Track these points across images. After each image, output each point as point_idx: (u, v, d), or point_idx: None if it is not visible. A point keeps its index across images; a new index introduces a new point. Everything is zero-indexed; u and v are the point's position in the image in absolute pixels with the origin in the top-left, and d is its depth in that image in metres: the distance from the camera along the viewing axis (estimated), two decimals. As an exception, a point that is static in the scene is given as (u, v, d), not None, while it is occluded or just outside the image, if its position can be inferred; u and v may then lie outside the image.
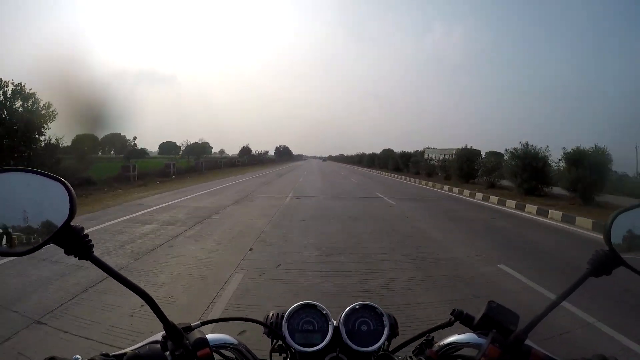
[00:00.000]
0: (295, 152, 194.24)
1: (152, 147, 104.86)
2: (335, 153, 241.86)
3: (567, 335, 2.75)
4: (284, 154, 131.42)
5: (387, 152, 43.90)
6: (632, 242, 0.62)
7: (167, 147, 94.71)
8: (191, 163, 31.42)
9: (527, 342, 0.63)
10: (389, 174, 32.31)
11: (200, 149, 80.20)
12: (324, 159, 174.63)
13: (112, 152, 74.45)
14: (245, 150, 72.41)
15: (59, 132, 13.56)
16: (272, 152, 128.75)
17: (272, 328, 0.77)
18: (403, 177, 27.07)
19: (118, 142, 71.40)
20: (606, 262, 0.60)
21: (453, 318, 0.74)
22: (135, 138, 58.49)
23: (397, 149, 42.85)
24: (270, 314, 0.80)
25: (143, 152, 74.90)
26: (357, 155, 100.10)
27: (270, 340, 0.78)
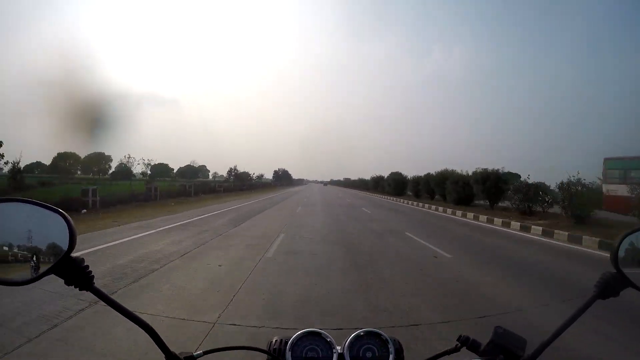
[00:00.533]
0: (296, 176, 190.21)
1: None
2: (337, 177, 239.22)
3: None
4: (282, 178, 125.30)
5: (396, 175, 38.96)
6: (638, 263, 0.62)
7: (159, 170, 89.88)
8: (173, 188, 26.12)
9: None
10: (402, 201, 28.27)
11: (192, 172, 74.79)
12: (325, 184, 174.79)
13: (91, 173, 69.03)
14: (235, 174, 62.26)
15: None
16: (270, 176, 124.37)
17: (275, 356, 0.75)
18: (426, 205, 22.17)
19: (103, 161, 66.93)
20: (614, 284, 0.60)
21: (459, 344, 0.73)
22: (128, 157, 51.24)
23: (405, 171, 41.24)
24: (274, 340, 0.78)
25: (129, 173, 69.93)
26: (359, 180, 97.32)
27: None
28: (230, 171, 60.55)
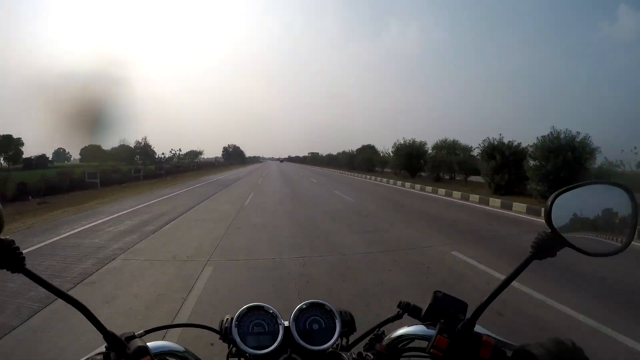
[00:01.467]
0: (251, 153, 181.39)
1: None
2: (292, 154, 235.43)
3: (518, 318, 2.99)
4: (233, 156, 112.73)
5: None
6: (573, 222, 0.63)
7: (90, 152, 77.06)
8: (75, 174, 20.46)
9: (478, 328, 0.63)
10: (341, 172, 34.36)
11: (129, 153, 65.26)
12: (281, 160, 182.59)
13: (8, 163, 57.42)
14: (144, 149, 47.35)
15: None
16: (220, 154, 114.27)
17: (222, 334, 0.76)
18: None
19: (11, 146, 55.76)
20: (550, 244, 0.61)
21: (401, 311, 0.74)
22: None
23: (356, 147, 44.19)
24: (225, 319, 0.78)
25: (44, 159, 59.14)
26: (310, 155, 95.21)
27: (227, 345, 0.76)
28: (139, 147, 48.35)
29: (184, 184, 20.80)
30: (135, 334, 0.64)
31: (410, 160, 23.37)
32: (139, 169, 28.26)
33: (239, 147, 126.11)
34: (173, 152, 53.24)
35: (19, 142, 56.40)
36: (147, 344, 0.62)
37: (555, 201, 0.63)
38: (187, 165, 44.45)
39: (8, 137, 54.83)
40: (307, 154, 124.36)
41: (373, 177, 24.58)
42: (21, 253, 0.57)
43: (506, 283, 0.63)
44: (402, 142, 24.75)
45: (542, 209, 0.68)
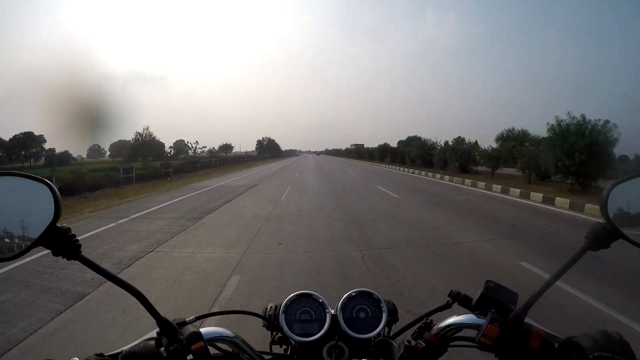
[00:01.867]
0: (288, 147, 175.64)
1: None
2: (330, 147, 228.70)
3: (565, 311, 2.97)
4: (268, 149, 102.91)
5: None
6: (630, 214, 0.61)
7: (119, 147, 73.34)
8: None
9: (527, 320, 0.63)
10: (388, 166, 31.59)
11: (155, 147, 59.33)
12: (318, 153, 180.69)
13: (29, 160, 54.23)
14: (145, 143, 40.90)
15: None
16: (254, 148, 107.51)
17: (269, 320, 0.77)
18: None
19: (32, 143, 52.39)
20: (604, 236, 0.59)
21: (451, 300, 0.73)
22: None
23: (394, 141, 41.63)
24: (269, 307, 0.79)
25: (67, 156, 55.25)
26: (354, 146, 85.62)
27: (270, 332, 0.78)
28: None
29: (165, 194, 12.83)
30: (186, 319, 0.66)
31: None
32: (130, 168, 20.78)
33: (273, 140, 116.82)
34: (189, 144, 45.74)
35: (41, 139, 53.20)
36: (200, 329, 0.65)
37: (612, 191, 0.61)
38: (207, 161, 36.25)
39: (29, 135, 51.58)
40: (349, 146, 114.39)
41: (463, 180, 16.37)
42: (77, 240, 0.58)
43: (559, 274, 0.62)
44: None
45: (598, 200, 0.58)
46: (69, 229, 0.57)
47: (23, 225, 0.55)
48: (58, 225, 0.55)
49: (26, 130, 51.82)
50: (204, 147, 50.15)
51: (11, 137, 51.59)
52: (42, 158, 53.82)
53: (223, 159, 44.18)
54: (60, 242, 0.56)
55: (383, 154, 44.87)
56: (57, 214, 0.55)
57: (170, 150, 49.87)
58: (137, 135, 41.79)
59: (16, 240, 0.55)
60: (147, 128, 42.26)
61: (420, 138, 34.19)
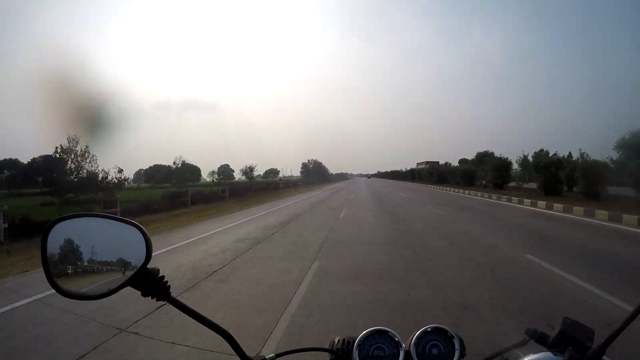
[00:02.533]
0: (335, 170, 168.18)
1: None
2: (382, 170, 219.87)
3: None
4: (314, 174, 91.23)
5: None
6: None
7: (152, 174, 73.58)
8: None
9: (605, 358, 0.62)
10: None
11: (190, 173, 58.43)
12: (369, 176, 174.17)
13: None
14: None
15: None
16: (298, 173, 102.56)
17: (343, 356, 0.77)
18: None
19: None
20: None
21: (527, 337, 0.72)
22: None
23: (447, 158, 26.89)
24: (336, 340, 0.80)
25: (121, 184, 55.24)
26: (427, 164, 71.53)
27: None
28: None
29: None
30: (266, 357, 0.70)
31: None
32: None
33: (320, 163, 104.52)
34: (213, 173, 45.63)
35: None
36: None
37: None
38: (211, 191, 26.10)
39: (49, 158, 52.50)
40: (414, 166, 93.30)
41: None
42: (167, 282, 0.60)
43: (637, 312, 0.61)
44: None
45: None
46: (158, 271, 0.60)
47: (114, 266, 0.59)
48: (148, 267, 0.59)
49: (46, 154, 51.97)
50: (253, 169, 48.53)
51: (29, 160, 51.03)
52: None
53: (249, 185, 37.45)
54: (150, 283, 0.59)
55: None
56: (148, 257, 0.59)
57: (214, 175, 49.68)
58: (175, 162, 45.68)
59: (108, 280, 0.58)
60: (180, 157, 46.92)
61: (492, 154, 29.43)
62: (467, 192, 25.67)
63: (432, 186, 40.72)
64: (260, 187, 39.75)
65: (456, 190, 29.37)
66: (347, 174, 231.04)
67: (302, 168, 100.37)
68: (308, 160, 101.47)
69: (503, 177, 24.85)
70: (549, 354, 0.67)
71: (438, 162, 71.57)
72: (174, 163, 46.15)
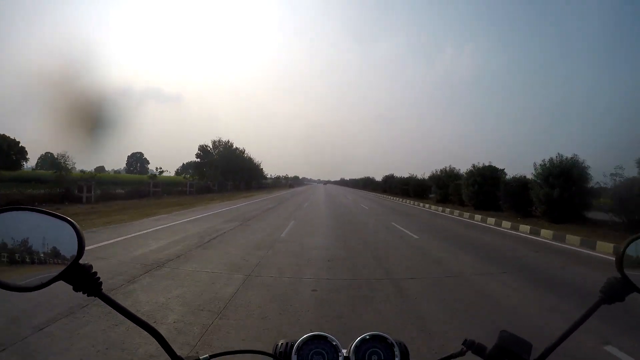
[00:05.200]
0: (295, 174, 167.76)
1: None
2: (336, 177, 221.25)
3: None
4: (225, 165, 73.68)
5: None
6: None
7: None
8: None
9: None
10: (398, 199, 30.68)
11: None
12: (325, 183, 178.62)
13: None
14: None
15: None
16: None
17: (280, 359, 0.77)
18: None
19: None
20: (619, 289, 0.61)
21: (465, 348, 0.73)
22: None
23: (403, 172, 41.13)
24: (280, 343, 0.80)
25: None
26: (363, 179, 77.60)
27: None
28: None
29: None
30: (200, 358, 0.68)
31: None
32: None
33: (240, 150, 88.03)
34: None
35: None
36: None
37: (629, 246, 0.63)
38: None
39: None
40: (339, 179, 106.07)
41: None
42: (98, 278, 0.60)
43: (574, 327, 0.64)
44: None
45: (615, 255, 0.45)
46: (90, 267, 0.60)
47: (46, 260, 0.59)
48: (81, 262, 0.59)
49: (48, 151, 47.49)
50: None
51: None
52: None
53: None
54: (82, 278, 0.59)
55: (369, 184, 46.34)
56: (80, 252, 0.59)
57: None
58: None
59: (40, 274, 0.59)
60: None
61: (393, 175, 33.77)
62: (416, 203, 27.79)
63: (384, 196, 43.57)
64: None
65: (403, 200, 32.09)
66: (304, 179, 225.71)
67: (198, 155, 47.81)
68: (215, 142, 49.18)
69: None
70: None
71: (352, 178, 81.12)
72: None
